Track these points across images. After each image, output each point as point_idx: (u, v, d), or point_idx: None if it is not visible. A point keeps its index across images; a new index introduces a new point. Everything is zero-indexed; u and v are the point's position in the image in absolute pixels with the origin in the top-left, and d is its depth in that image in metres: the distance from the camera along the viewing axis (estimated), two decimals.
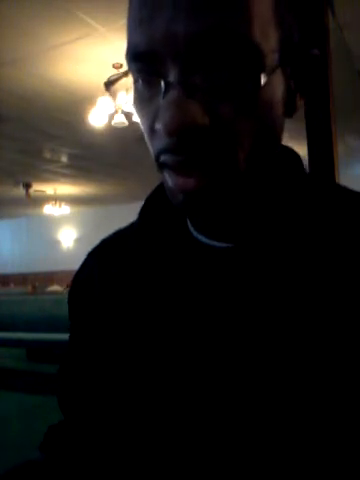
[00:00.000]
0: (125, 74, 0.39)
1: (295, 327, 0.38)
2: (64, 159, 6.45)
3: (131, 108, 3.89)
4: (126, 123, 4.01)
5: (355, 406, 0.37)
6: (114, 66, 3.65)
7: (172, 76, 0.34)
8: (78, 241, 10.74)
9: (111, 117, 3.97)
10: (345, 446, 0.37)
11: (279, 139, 0.41)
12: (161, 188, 0.49)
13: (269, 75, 0.35)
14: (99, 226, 10.28)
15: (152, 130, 0.37)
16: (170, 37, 0.33)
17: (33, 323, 4.70)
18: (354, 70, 3.65)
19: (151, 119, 0.37)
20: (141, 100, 0.38)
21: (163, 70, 0.34)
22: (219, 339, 0.40)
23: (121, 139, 5.39)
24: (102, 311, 0.49)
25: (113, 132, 4.72)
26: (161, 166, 0.38)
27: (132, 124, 4.18)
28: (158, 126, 0.34)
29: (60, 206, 8.91)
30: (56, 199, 8.78)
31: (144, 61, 0.36)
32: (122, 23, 3.05)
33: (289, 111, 0.41)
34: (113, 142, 5.57)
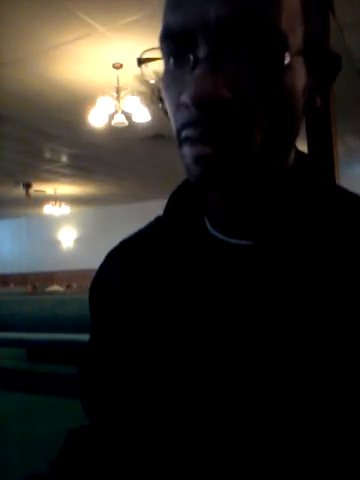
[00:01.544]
0: (156, 58, 0.42)
1: (312, 325, 0.39)
2: (64, 159, 6.45)
3: (131, 108, 3.90)
4: (126, 123, 4.02)
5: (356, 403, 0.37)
6: (114, 66, 3.65)
7: (201, 53, 0.36)
8: (78, 241, 10.75)
9: (111, 117, 3.98)
10: (347, 444, 0.38)
11: (296, 129, 0.43)
12: (182, 188, 0.52)
13: (291, 61, 0.37)
14: (99, 226, 10.30)
15: (177, 106, 0.39)
16: (203, 18, 0.36)
17: (33, 323, 4.70)
18: (354, 70, 3.65)
19: (178, 94, 0.39)
20: (170, 78, 0.40)
21: (194, 48, 0.37)
22: (239, 336, 0.42)
23: (121, 139, 5.39)
24: (122, 308, 0.51)
25: (113, 132, 4.73)
26: (182, 141, 0.40)
27: (132, 124, 4.19)
28: (184, 98, 0.37)
29: (60, 206, 8.91)
30: (56, 199, 8.78)
31: (177, 39, 0.38)
32: (122, 23, 3.05)
33: (308, 108, 0.43)
34: (113, 142, 5.58)
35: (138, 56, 0.43)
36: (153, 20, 3.05)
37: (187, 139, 0.39)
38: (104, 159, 6.46)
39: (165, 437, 0.44)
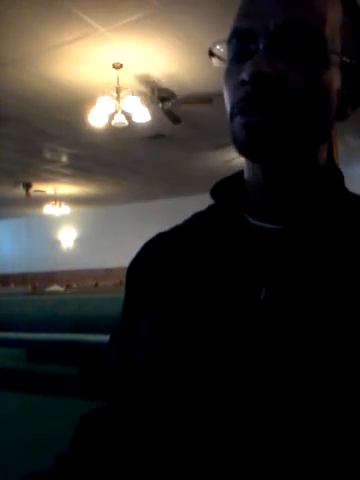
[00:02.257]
0: (212, 54, 0.52)
1: (334, 299, 0.45)
2: (64, 159, 6.46)
3: (131, 108, 3.90)
4: (126, 123, 4.02)
5: None
6: (114, 66, 3.65)
7: (260, 44, 0.46)
8: (78, 241, 10.75)
9: (111, 117, 3.98)
10: (350, 430, 0.41)
11: (328, 126, 0.50)
12: (221, 183, 0.59)
13: (329, 62, 0.47)
14: (99, 226, 10.30)
15: (236, 86, 0.48)
16: (264, 23, 0.46)
17: (33, 323, 4.70)
18: None
19: (237, 78, 0.48)
20: (231, 71, 0.50)
21: (254, 41, 0.47)
22: (267, 309, 0.47)
23: (121, 139, 5.40)
24: (155, 286, 0.56)
25: (113, 132, 4.73)
26: (236, 113, 0.48)
27: (132, 124, 4.19)
28: (244, 75, 0.46)
29: (60, 206, 8.91)
30: (56, 199, 8.79)
31: (242, 36, 0.48)
32: (122, 23, 3.05)
33: (340, 114, 0.52)
34: (113, 142, 5.58)
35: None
36: (153, 20, 3.05)
37: (240, 109, 0.47)
38: (104, 159, 6.46)
39: (188, 406, 0.48)
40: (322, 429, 0.42)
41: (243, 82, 0.46)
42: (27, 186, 7.79)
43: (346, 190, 0.55)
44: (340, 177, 0.55)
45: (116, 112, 3.93)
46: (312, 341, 0.43)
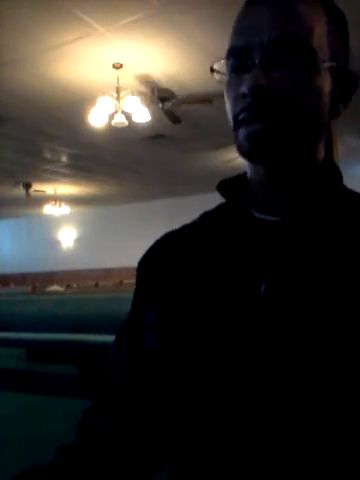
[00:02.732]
0: (213, 70, 0.56)
1: (331, 289, 0.48)
2: (64, 159, 6.46)
3: (131, 108, 3.90)
4: (126, 123, 4.02)
5: None
6: (114, 66, 3.65)
7: (256, 59, 0.50)
8: (78, 241, 10.75)
9: (111, 117, 3.98)
10: (353, 435, 0.44)
11: (323, 126, 0.55)
12: (225, 182, 0.62)
13: (319, 70, 0.51)
14: (99, 226, 10.30)
15: (236, 98, 0.53)
16: (259, 39, 0.51)
17: (33, 323, 4.70)
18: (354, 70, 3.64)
19: (237, 91, 0.52)
20: (231, 85, 0.54)
21: (251, 56, 0.51)
22: (270, 300, 0.50)
23: (121, 139, 5.39)
24: (167, 278, 0.60)
25: (113, 132, 4.73)
26: (238, 124, 0.53)
27: (132, 124, 4.19)
28: (243, 89, 0.50)
29: (60, 206, 8.91)
30: (56, 199, 8.79)
31: (239, 52, 0.53)
32: (122, 23, 3.05)
33: (333, 113, 0.56)
34: (113, 142, 5.58)
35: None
36: (153, 20, 3.05)
37: (243, 120, 0.52)
38: (104, 159, 6.46)
39: (195, 395, 0.51)
40: (320, 420, 0.44)
41: (244, 95, 0.51)
42: (27, 186, 7.78)
43: (343, 185, 0.58)
44: (337, 172, 0.58)
45: (116, 112, 3.93)
46: (310, 332, 0.46)
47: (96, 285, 8.61)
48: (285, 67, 0.50)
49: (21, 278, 10.94)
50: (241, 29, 0.54)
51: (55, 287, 8.37)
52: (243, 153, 0.53)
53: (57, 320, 4.57)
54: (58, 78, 3.83)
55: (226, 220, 0.60)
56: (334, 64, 0.54)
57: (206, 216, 0.65)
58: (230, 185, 0.61)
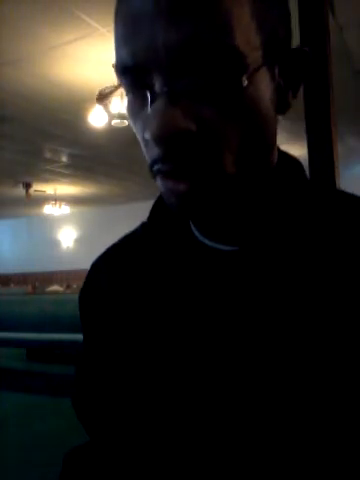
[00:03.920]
0: (117, 87, 0.39)
1: (299, 329, 0.39)
2: (64, 159, 6.45)
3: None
4: (126, 123, 4.02)
5: (354, 404, 0.37)
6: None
7: (157, 86, 0.35)
8: (78, 241, 10.74)
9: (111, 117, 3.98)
10: (345, 443, 0.37)
11: (271, 138, 0.42)
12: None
13: (252, 76, 0.35)
14: (99, 226, 10.29)
15: (144, 140, 0.39)
16: (151, 49, 0.34)
17: (33, 323, 4.70)
18: (354, 70, 3.65)
19: (142, 130, 0.38)
20: (133, 112, 0.40)
21: (149, 81, 0.36)
22: (226, 340, 0.41)
23: (121, 139, 5.39)
24: (112, 318, 0.50)
25: (113, 132, 4.73)
26: (154, 174, 0.40)
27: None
28: (147, 135, 0.36)
29: (60, 206, 8.91)
30: (56, 199, 8.78)
31: (131, 75, 0.37)
32: None
33: (281, 109, 0.42)
34: (113, 142, 5.58)
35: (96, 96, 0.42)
36: None
37: (158, 173, 0.38)
38: (104, 159, 6.46)
39: (164, 439, 0.43)
40: (308, 421, 0.38)
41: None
42: (27, 186, 7.78)
43: (309, 184, 0.46)
44: (298, 172, 0.46)
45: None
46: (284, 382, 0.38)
47: None
48: (201, 89, 0.34)
49: (21, 278, 10.93)
50: (125, 33, 0.36)
51: (55, 287, 8.37)
52: (171, 208, 0.40)
53: (57, 320, 4.57)
54: (58, 78, 3.82)
55: (170, 243, 0.47)
56: (271, 54, 0.37)
57: (147, 230, 0.51)
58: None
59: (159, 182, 0.39)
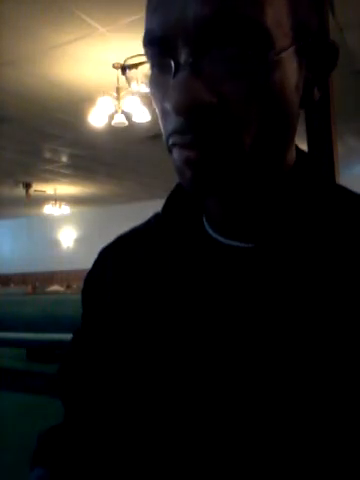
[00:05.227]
0: (141, 63, 0.41)
1: (314, 329, 0.38)
2: (64, 159, 6.45)
3: (131, 108, 3.89)
4: (126, 123, 4.01)
5: (356, 406, 0.37)
6: (114, 66, 3.64)
7: (182, 58, 0.35)
8: (78, 241, 10.73)
9: (111, 117, 3.97)
10: (345, 445, 0.37)
11: (292, 127, 0.41)
12: (180, 187, 0.50)
13: (279, 58, 0.35)
14: (99, 226, 10.28)
15: (163, 112, 0.39)
16: (181, 21, 0.34)
17: (33, 323, 4.70)
18: (354, 70, 3.65)
19: (162, 100, 0.38)
20: (155, 84, 0.39)
21: (175, 53, 0.36)
22: (237, 338, 0.40)
23: (121, 139, 5.39)
24: (116, 307, 0.50)
25: (113, 132, 4.72)
26: (171, 147, 0.39)
27: (132, 124, 4.18)
28: (167, 106, 0.36)
29: (60, 206, 8.91)
30: (56, 199, 8.78)
31: (158, 45, 0.37)
32: (122, 23, 3.05)
33: (305, 102, 0.41)
34: (113, 142, 5.58)
35: (122, 62, 0.43)
36: None
37: (175, 145, 0.38)
38: (104, 159, 6.46)
39: (159, 438, 0.42)
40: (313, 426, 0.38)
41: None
42: (27, 186, 7.77)
43: (329, 184, 0.46)
44: (316, 171, 0.46)
45: (116, 112, 3.93)
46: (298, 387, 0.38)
47: None
48: (227, 65, 0.35)
49: (21, 278, 10.92)
50: (156, 4, 0.36)
51: (55, 287, 8.37)
52: (184, 184, 0.39)
53: (57, 320, 4.57)
54: (58, 78, 3.82)
55: (182, 239, 0.47)
56: (301, 43, 0.37)
57: (159, 221, 0.51)
58: (182, 198, 0.49)
59: (175, 154, 0.39)
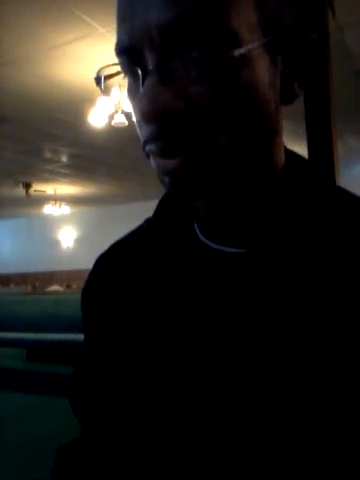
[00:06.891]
0: (118, 73, 0.41)
1: (306, 334, 0.38)
2: (64, 159, 6.45)
3: (131, 108, 3.89)
4: (126, 123, 4.02)
5: (355, 406, 0.37)
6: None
7: (149, 65, 0.35)
8: (78, 241, 10.74)
9: (111, 117, 3.97)
10: (345, 445, 0.37)
11: (271, 125, 0.40)
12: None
13: (245, 55, 0.34)
14: (99, 226, 10.29)
15: (137, 120, 0.39)
16: (145, 28, 0.34)
17: (33, 323, 4.70)
18: (354, 70, 3.65)
19: (135, 109, 0.39)
20: (131, 93, 0.40)
21: (142, 60, 0.36)
22: (231, 343, 0.40)
23: (121, 139, 5.39)
24: (114, 315, 0.50)
25: (113, 132, 4.73)
26: (147, 154, 0.39)
27: (132, 124, 4.19)
28: (137, 115, 0.37)
29: (60, 206, 8.91)
30: (56, 199, 8.78)
31: (127, 54, 0.37)
32: None
33: (286, 99, 0.40)
34: (113, 142, 5.58)
35: (94, 75, 0.43)
36: None
37: (150, 152, 0.38)
38: (104, 159, 6.46)
39: (161, 440, 0.43)
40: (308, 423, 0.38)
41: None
42: (27, 186, 7.78)
43: (323, 187, 0.45)
44: (306, 174, 0.44)
45: (116, 112, 3.93)
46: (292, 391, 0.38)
47: None
48: (192, 67, 0.34)
49: (21, 278, 10.93)
50: (124, 14, 0.37)
51: (55, 287, 8.37)
52: (166, 188, 0.39)
53: (57, 320, 4.57)
54: (58, 78, 3.82)
55: (173, 245, 0.47)
56: (271, 37, 0.36)
57: (151, 229, 0.51)
58: (173, 203, 0.49)
59: (152, 162, 0.39)
